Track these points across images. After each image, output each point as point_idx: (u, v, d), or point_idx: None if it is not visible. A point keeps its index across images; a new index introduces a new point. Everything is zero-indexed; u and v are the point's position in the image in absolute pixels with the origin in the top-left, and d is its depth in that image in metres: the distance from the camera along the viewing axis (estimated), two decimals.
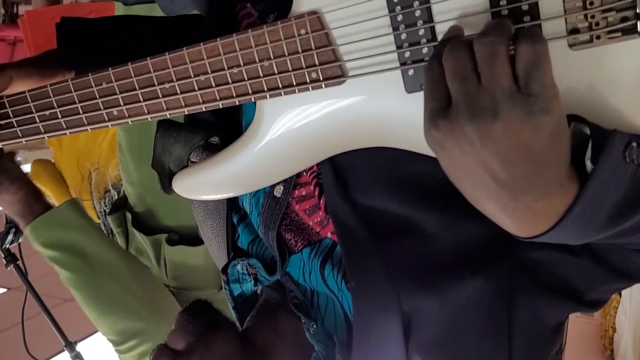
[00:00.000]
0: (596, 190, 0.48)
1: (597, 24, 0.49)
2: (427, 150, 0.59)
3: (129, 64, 0.67)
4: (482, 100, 0.45)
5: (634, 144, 0.47)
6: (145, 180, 1.53)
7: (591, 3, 0.49)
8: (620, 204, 0.49)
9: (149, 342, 1.34)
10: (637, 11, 0.48)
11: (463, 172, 0.49)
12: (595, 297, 0.66)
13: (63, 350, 1.36)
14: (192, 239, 1.50)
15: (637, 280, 0.64)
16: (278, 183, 0.72)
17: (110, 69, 0.68)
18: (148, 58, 0.66)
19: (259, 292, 0.84)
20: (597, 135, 0.48)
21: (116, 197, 1.80)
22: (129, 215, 1.60)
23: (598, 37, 0.49)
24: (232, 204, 0.82)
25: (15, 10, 3.68)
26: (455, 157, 0.48)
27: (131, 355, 1.36)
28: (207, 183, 0.73)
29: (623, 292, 2.31)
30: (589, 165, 0.48)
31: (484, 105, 0.45)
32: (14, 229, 1.24)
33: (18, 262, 1.31)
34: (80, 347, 1.38)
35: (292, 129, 0.65)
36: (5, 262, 1.30)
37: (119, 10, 1.54)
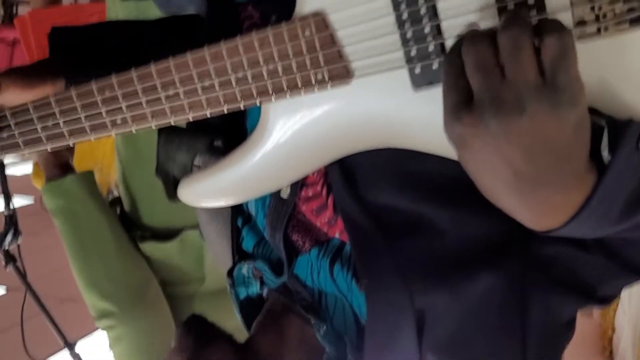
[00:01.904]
0: (613, 181, 0.48)
1: (604, 15, 0.49)
2: (434, 150, 0.59)
3: (132, 70, 0.67)
4: (507, 95, 0.44)
5: None
6: (129, 177, 1.57)
7: None
8: (635, 195, 0.50)
9: (122, 328, 1.40)
10: None
11: (484, 167, 0.48)
12: (607, 293, 0.66)
13: (62, 350, 1.36)
14: (164, 235, 1.54)
15: None
16: None
17: (113, 76, 0.68)
18: (151, 64, 0.66)
19: (264, 295, 0.84)
20: (612, 126, 0.48)
21: None
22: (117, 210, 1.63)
23: (606, 29, 0.50)
24: (236, 206, 0.82)
25: (14, 11, 3.63)
26: (476, 152, 0.47)
27: (108, 335, 1.41)
28: (212, 190, 0.72)
29: (622, 292, 2.32)
30: (606, 156, 0.48)
31: (509, 100, 0.44)
32: (12, 230, 1.24)
33: (17, 263, 1.30)
34: (79, 347, 1.38)
35: (298, 132, 0.65)
36: (4, 263, 1.29)
37: (110, 8, 1.55)
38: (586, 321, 2.66)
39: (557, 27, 0.44)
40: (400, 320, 0.64)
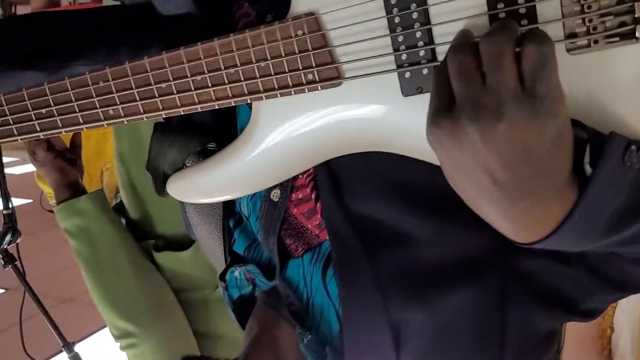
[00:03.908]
0: (595, 197, 0.47)
1: (594, 28, 0.49)
2: (421, 155, 0.59)
3: (126, 62, 0.67)
4: (486, 100, 0.44)
5: (633, 147, 0.46)
6: (138, 185, 1.55)
7: (589, 7, 0.48)
8: (621, 211, 0.49)
9: (143, 346, 1.39)
10: (636, 15, 0.47)
11: (462, 173, 0.48)
12: (591, 307, 0.65)
13: (61, 351, 1.36)
14: (178, 244, 1.53)
15: (634, 291, 0.63)
16: (274, 187, 0.71)
17: (107, 67, 0.68)
18: (145, 57, 0.66)
19: (256, 295, 0.84)
20: (594, 139, 0.47)
21: None
22: (122, 221, 1.61)
23: (596, 42, 0.49)
24: (228, 208, 0.82)
25: (13, 11, 3.65)
26: (455, 157, 0.47)
27: (128, 354, 1.40)
28: (201, 186, 0.72)
29: None
30: (588, 170, 0.47)
31: (487, 105, 0.44)
32: (12, 230, 1.25)
33: (16, 263, 1.31)
34: (78, 347, 1.38)
35: (287, 131, 0.64)
36: (3, 263, 1.30)
37: None
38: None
39: (538, 36, 0.44)
40: (377, 331, 0.64)
